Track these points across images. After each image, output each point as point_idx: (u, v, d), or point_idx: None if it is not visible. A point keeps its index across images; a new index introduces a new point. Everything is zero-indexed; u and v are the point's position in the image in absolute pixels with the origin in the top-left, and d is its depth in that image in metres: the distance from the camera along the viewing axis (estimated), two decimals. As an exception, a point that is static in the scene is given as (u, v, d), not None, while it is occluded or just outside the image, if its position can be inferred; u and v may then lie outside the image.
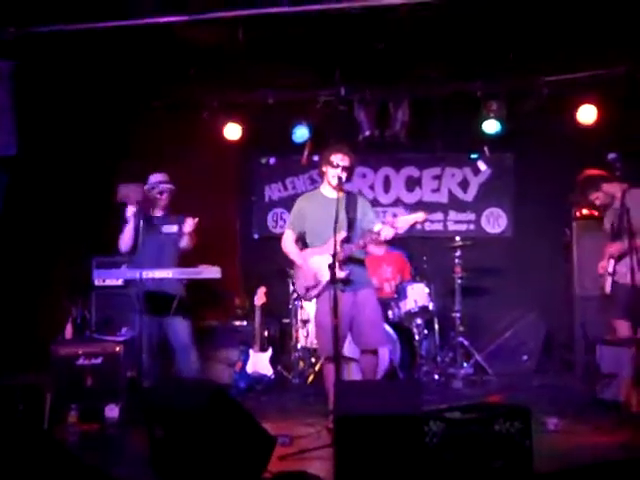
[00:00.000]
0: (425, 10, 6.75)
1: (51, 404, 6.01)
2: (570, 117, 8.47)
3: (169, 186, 6.82)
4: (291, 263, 7.50)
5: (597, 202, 7.02)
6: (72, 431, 6.00)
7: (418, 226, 9.14)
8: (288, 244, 6.29)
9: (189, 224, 6.59)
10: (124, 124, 8.74)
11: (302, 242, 6.29)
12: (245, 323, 8.45)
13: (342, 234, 5.86)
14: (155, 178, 6.83)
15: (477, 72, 8.38)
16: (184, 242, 6.67)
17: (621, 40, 7.50)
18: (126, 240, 6.60)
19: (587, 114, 8.43)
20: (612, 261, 6.82)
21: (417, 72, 8.40)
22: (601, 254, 6.88)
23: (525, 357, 8.47)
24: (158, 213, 6.83)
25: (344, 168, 6.00)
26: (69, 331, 6.90)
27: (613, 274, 6.80)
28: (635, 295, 6.57)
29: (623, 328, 6.78)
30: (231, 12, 6.69)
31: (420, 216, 5.79)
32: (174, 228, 6.63)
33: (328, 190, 6.12)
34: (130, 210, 6.52)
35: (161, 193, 6.76)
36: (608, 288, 6.85)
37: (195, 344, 6.74)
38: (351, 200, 6.11)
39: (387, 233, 5.76)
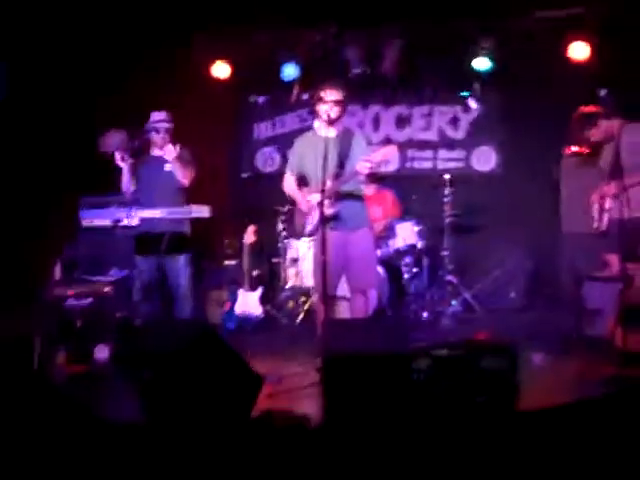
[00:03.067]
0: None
1: (40, 346, 6.02)
2: (561, 54, 8.39)
3: (165, 125, 6.75)
4: (281, 201, 7.54)
5: (593, 139, 6.97)
6: (60, 372, 6.02)
7: (408, 164, 9.26)
8: (289, 186, 6.28)
9: (169, 151, 6.55)
10: (113, 65, 8.62)
11: (302, 182, 6.27)
12: (234, 263, 8.44)
13: (332, 171, 5.84)
14: (153, 117, 6.77)
15: (468, 9, 8.26)
16: (177, 173, 6.62)
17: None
18: (126, 186, 6.60)
19: (578, 51, 8.35)
20: (608, 199, 6.81)
21: (406, 9, 8.28)
22: (590, 191, 6.87)
23: (513, 294, 8.53)
24: (158, 152, 6.78)
25: (335, 103, 5.95)
26: (57, 273, 6.90)
27: (608, 210, 6.80)
28: (628, 231, 6.60)
29: (610, 263, 6.82)
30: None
31: (391, 149, 5.78)
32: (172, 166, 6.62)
33: (322, 128, 6.08)
34: (117, 156, 6.49)
35: (157, 131, 6.70)
36: (604, 224, 6.84)
37: (188, 283, 6.74)
38: (345, 137, 6.08)
39: (361, 166, 5.73)
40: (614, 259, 6.74)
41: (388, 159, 5.88)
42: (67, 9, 7.61)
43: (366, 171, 5.77)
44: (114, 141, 6.38)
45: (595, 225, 6.82)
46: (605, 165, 6.94)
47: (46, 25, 7.62)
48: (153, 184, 6.66)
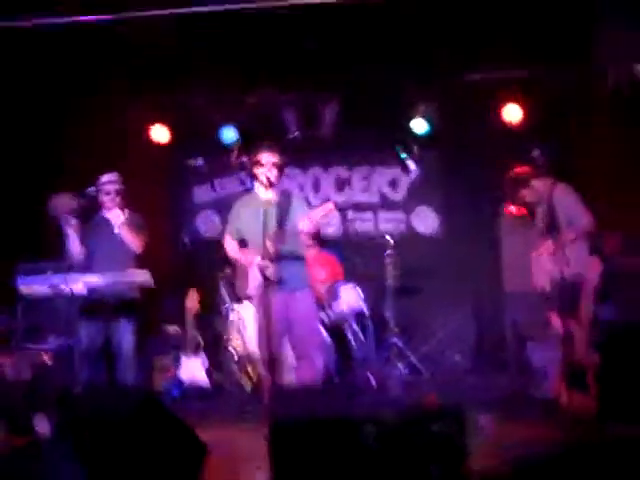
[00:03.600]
0: (348, 11, 6.76)
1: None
2: (496, 114, 8.56)
3: (115, 186, 6.66)
4: (223, 266, 7.47)
5: (527, 199, 7.10)
6: (2, 445, 5.80)
7: (350, 226, 9.28)
8: (229, 247, 6.23)
9: (116, 214, 6.47)
10: (51, 126, 8.54)
11: (243, 245, 6.22)
12: (177, 329, 8.29)
13: (272, 233, 5.81)
14: (102, 178, 6.67)
15: (404, 70, 8.39)
16: (126, 239, 6.52)
17: (541, 41, 7.62)
18: (73, 251, 6.47)
19: (511, 112, 8.54)
20: (546, 257, 6.91)
21: (344, 71, 8.39)
22: (529, 250, 6.96)
23: (458, 356, 8.53)
24: (108, 214, 6.67)
25: (273, 166, 5.97)
26: (-5, 342, 6.73)
27: (547, 269, 6.89)
28: (567, 289, 6.69)
29: (552, 322, 6.88)
30: (162, 10, 6.61)
31: (329, 206, 5.78)
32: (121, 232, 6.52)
33: (261, 190, 6.07)
34: (65, 221, 6.38)
35: (108, 193, 6.61)
36: (543, 284, 6.94)
37: (130, 349, 6.61)
38: (285, 199, 6.08)
39: (303, 224, 5.74)
40: (555, 318, 6.82)
41: (328, 215, 5.87)
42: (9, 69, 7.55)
43: (308, 229, 5.78)
44: (62, 204, 6.27)
45: (535, 284, 6.91)
46: (540, 224, 7.06)
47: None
48: (101, 247, 6.54)
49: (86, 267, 6.49)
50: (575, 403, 5.60)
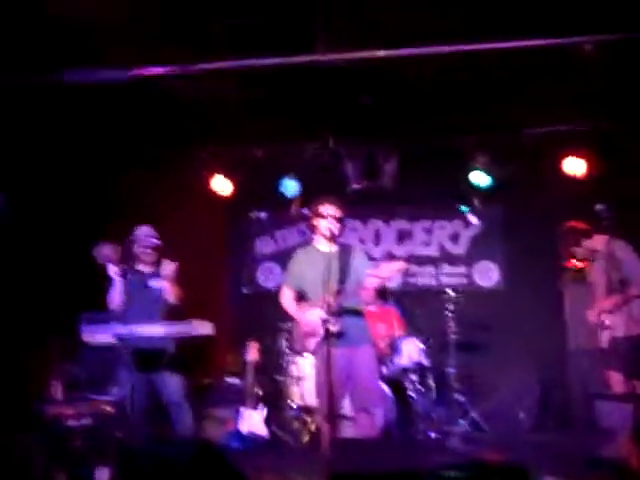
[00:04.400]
0: (413, 63, 6.79)
1: (39, 466, 5.83)
2: (558, 168, 8.49)
3: (154, 241, 6.71)
4: (283, 318, 7.45)
5: (578, 257, 7.02)
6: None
7: (411, 280, 9.20)
8: (286, 301, 6.22)
9: (167, 267, 6.49)
10: (113, 178, 8.69)
11: (301, 297, 6.21)
12: (237, 380, 8.29)
13: (334, 287, 5.79)
14: (140, 231, 6.72)
15: (465, 124, 8.40)
16: (168, 293, 6.55)
17: (607, 94, 7.57)
18: (113, 299, 6.48)
19: (574, 166, 8.48)
20: (605, 314, 6.79)
21: (405, 125, 8.42)
22: (587, 306, 6.86)
23: (522, 414, 8.34)
24: (144, 268, 6.72)
25: (334, 219, 5.97)
26: (58, 391, 6.77)
27: (609, 328, 6.77)
28: (631, 348, 6.55)
29: (617, 381, 6.73)
30: (218, 64, 6.70)
31: (400, 264, 5.77)
32: (161, 282, 6.54)
33: (321, 243, 6.08)
34: (111, 269, 6.43)
35: (146, 247, 6.66)
36: (605, 342, 6.81)
37: (187, 401, 6.61)
38: (345, 252, 6.06)
39: (371, 282, 5.74)
40: (615, 377, 6.68)
41: (396, 274, 5.84)
42: (64, 123, 7.69)
43: (374, 285, 5.76)
44: (108, 253, 6.32)
45: (597, 342, 6.79)
46: (596, 281, 6.95)
47: (38, 142, 7.69)
48: (141, 300, 6.55)
49: (127, 318, 6.45)
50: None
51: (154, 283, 6.57)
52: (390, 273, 5.74)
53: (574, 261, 7.27)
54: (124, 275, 6.42)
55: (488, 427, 8.08)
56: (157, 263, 6.68)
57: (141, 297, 6.55)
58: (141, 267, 6.72)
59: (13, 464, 5.77)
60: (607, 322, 6.82)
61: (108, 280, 6.46)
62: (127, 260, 6.62)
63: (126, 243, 6.64)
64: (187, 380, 6.62)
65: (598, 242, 6.86)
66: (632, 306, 6.71)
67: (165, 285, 6.55)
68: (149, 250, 6.66)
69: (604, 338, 6.85)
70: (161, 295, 6.58)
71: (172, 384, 6.54)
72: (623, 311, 6.72)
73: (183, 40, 6.56)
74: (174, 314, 6.66)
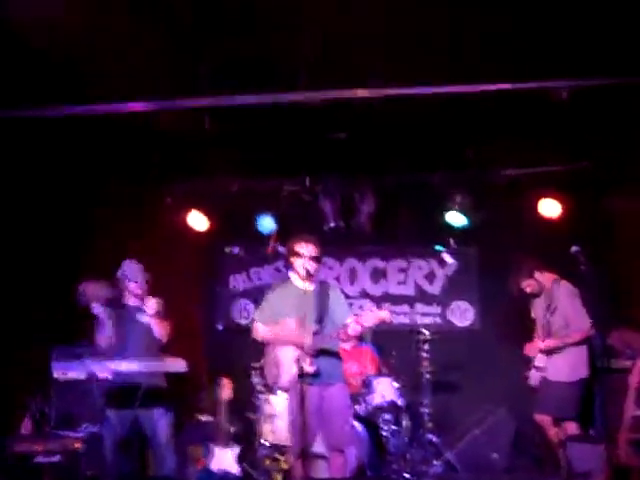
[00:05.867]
0: (389, 103, 6.83)
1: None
2: (533, 209, 8.56)
3: (143, 275, 6.68)
4: (256, 355, 7.40)
5: (528, 289, 7.12)
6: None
7: (387, 321, 9.16)
8: (259, 331, 6.16)
9: (151, 304, 6.45)
10: (89, 214, 8.64)
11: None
12: (210, 418, 8.17)
13: (311, 327, 5.77)
14: (128, 266, 6.70)
15: (440, 164, 8.46)
16: (155, 329, 6.49)
17: (582, 137, 7.66)
18: (104, 339, 6.45)
19: (549, 208, 8.54)
20: (541, 355, 6.84)
21: (381, 164, 8.47)
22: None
23: (495, 455, 8.29)
24: (133, 302, 6.68)
25: (311, 258, 5.96)
26: (27, 426, 6.66)
27: (541, 369, 6.82)
28: (560, 393, 6.60)
29: (547, 424, 6.76)
30: (196, 100, 6.71)
31: (385, 314, 5.77)
32: (147, 318, 6.50)
33: (298, 281, 6.06)
34: (96, 309, 6.38)
35: (136, 282, 6.63)
36: (534, 381, 6.87)
37: (172, 440, 6.55)
38: (322, 291, 6.05)
39: (354, 328, 5.72)
40: (544, 420, 6.75)
41: (382, 322, 5.81)
42: (43, 155, 7.67)
43: (356, 332, 5.74)
44: (93, 292, 6.28)
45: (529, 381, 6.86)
46: (536, 316, 7.02)
47: (22, 172, 7.66)
48: (127, 335, 6.54)
49: (116, 354, 6.44)
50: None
51: (143, 318, 6.52)
52: (373, 323, 5.73)
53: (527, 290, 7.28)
54: (110, 312, 6.40)
55: (461, 468, 8.03)
56: (143, 297, 6.65)
57: (132, 332, 6.54)
58: (130, 301, 6.67)
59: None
60: (539, 363, 6.88)
61: (94, 318, 6.44)
62: (115, 295, 6.60)
63: (115, 277, 6.64)
64: (165, 416, 6.54)
65: (547, 278, 6.95)
66: (567, 352, 6.77)
67: (152, 322, 6.50)
68: (139, 283, 6.61)
69: (533, 378, 6.91)
70: (149, 330, 6.53)
71: (149, 421, 6.48)
72: (559, 355, 6.79)
73: (163, 76, 6.56)
74: (162, 349, 6.65)
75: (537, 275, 7.03)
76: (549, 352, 6.86)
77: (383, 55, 6.23)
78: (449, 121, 7.56)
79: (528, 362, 7.18)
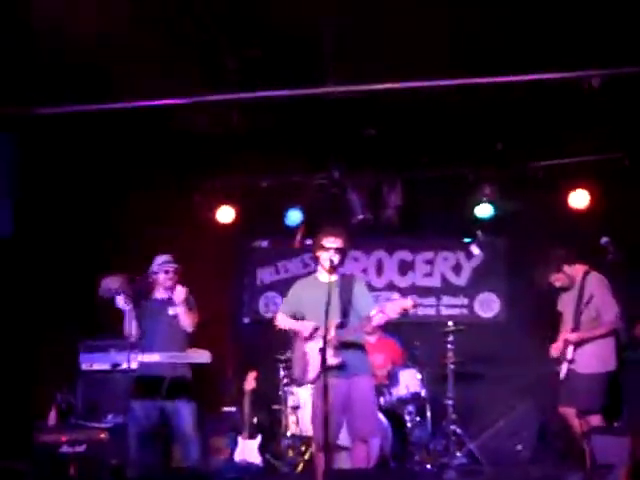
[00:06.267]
0: (417, 96, 6.82)
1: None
2: (563, 201, 8.53)
3: (174, 265, 6.75)
4: (282, 348, 7.44)
5: (557, 284, 7.03)
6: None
7: (411, 310, 9.15)
8: (283, 320, 6.22)
9: (179, 292, 6.50)
10: (117, 208, 8.72)
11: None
12: (234, 409, 8.27)
13: (335, 319, 5.79)
14: (159, 259, 6.78)
15: (469, 156, 8.43)
16: (181, 318, 6.56)
17: (613, 127, 7.59)
18: (130, 330, 6.50)
19: (579, 199, 8.48)
20: (571, 347, 6.79)
21: (409, 156, 8.46)
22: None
23: (520, 446, 8.26)
24: (163, 294, 6.75)
25: (337, 250, 5.98)
26: (53, 417, 6.76)
27: (571, 361, 6.78)
28: (587, 385, 6.55)
29: (571, 416, 6.72)
30: (225, 95, 6.74)
31: (409, 303, 5.77)
32: (176, 309, 6.56)
33: (323, 274, 6.09)
34: (120, 301, 6.47)
35: (166, 272, 6.69)
36: (563, 374, 6.82)
37: (197, 431, 6.58)
38: (346, 283, 6.08)
39: (378, 320, 5.76)
40: (569, 412, 6.70)
41: (406, 312, 5.82)
42: (72, 151, 7.75)
43: (380, 323, 5.77)
44: (115, 285, 6.35)
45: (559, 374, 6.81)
46: (565, 310, 6.96)
47: (51, 167, 7.74)
48: (155, 327, 6.60)
49: (143, 347, 6.53)
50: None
51: (170, 310, 6.58)
52: (398, 314, 5.73)
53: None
54: (137, 304, 6.49)
55: (485, 459, 8.01)
56: (173, 289, 6.72)
57: (162, 324, 6.59)
58: (159, 295, 6.75)
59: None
60: (568, 355, 6.83)
61: (117, 312, 6.49)
62: (145, 288, 6.67)
63: (148, 271, 6.70)
64: (190, 407, 6.60)
65: (577, 271, 6.89)
66: (596, 343, 6.73)
67: (180, 311, 6.56)
68: (171, 275, 6.69)
69: (563, 371, 6.87)
70: (177, 322, 6.58)
71: (183, 414, 6.52)
72: (587, 347, 6.75)
73: (193, 71, 6.62)
74: (188, 341, 6.68)
75: (566, 268, 6.97)
76: (578, 344, 6.81)
77: (413, 47, 6.21)
78: (479, 112, 7.52)
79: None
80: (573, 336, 6.77)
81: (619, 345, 6.78)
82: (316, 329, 5.87)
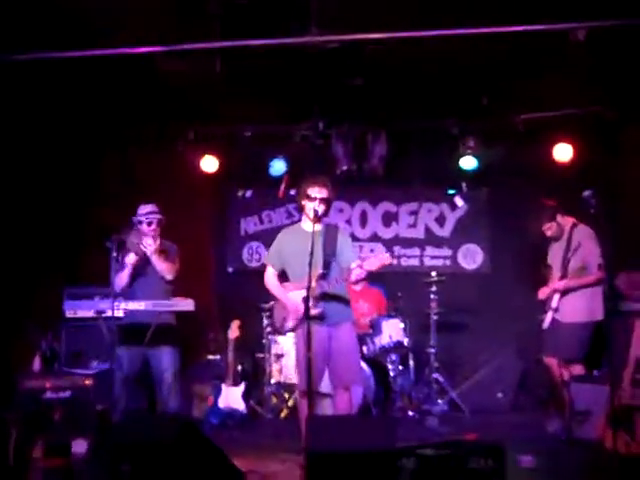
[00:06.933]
0: (403, 47, 6.78)
1: (16, 438, 5.84)
2: (546, 153, 8.54)
3: (158, 216, 6.75)
4: (265, 297, 7.48)
5: (549, 233, 7.11)
6: (37, 466, 5.80)
7: (394, 262, 9.20)
8: (270, 279, 6.25)
9: (148, 245, 6.54)
10: (98, 156, 8.67)
11: (284, 276, 6.23)
12: (218, 357, 8.35)
13: (318, 270, 5.82)
14: (144, 209, 6.77)
15: (454, 108, 8.41)
16: (158, 268, 6.59)
17: (593, 80, 7.58)
18: (122, 283, 6.56)
19: (563, 152, 8.50)
20: (557, 296, 6.87)
21: (394, 108, 8.42)
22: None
23: (500, 394, 8.41)
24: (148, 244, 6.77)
25: (321, 200, 5.98)
26: (37, 364, 6.79)
27: (556, 310, 6.86)
28: (570, 334, 6.65)
29: (554, 365, 6.83)
30: (208, 44, 6.66)
31: (386, 258, 5.77)
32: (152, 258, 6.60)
33: (307, 224, 6.07)
34: (132, 258, 6.52)
35: (150, 224, 6.70)
36: (547, 324, 6.91)
37: (179, 378, 6.69)
38: (330, 234, 6.09)
39: (357, 273, 5.80)
40: (552, 362, 6.80)
41: (384, 266, 5.84)
42: (54, 101, 7.69)
43: (359, 276, 5.83)
44: (133, 240, 6.44)
45: (543, 323, 6.90)
46: (553, 261, 7.03)
47: (33, 116, 7.68)
48: (140, 276, 6.65)
49: (128, 294, 6.57)
50: (620, 445, 5.47)
51: (145, 243, 6.61)
52: (376, 268, 5.74)
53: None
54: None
55: (466, 407, 8.14)
56: (157, 239, 6.74)
57: (142, 273, 6.67)
58: (144, 243, 6.76)
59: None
60: (553, 304, 6.92)
61: (120, 264, 6.51)
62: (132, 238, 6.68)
63: (132, 220, 6.71)
64: (173, 355, 6.66)
65: (567, 222, 6.97)
66: (583, 293, 6.81)
67: (154, 261, 6.62)
68: (154, 226, 6.70)
69: (547, 320, 6.95)
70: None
71: (157, 359, 6.60)
72: (573, 296, 6.83)
73: (177, 18, 6.53)
74: (172, 290, 6.76)
75: (559, 218, 7.03)
76: (564, 293, 6.87)
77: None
78: (463, 64, 7.47)
79: (536, 305, 7.23)
80: (561, 283, 6.85)
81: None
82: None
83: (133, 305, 6.44)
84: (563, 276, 6.87)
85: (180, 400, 6.78)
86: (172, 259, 6.74)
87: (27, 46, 6.51)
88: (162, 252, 6.64)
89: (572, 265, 6.82)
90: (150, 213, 6.74)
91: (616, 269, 6.80)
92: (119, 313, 6.32)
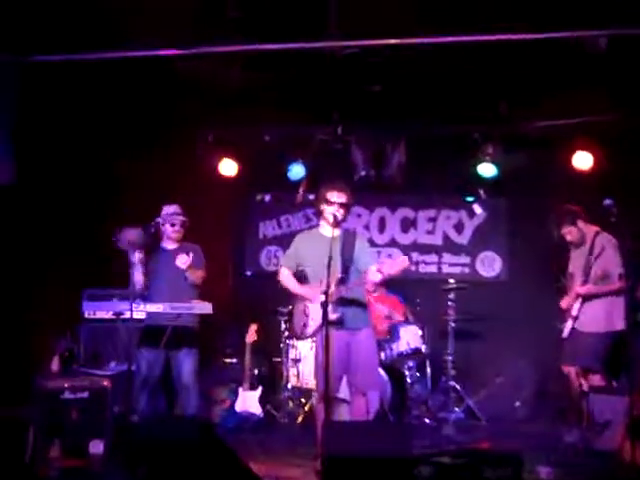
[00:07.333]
0: (423, 53, 6.77)
1: (34, 438, 5.86)
2: (565, 161, 8.48)
3: (181, 218, 6.79)
4: (283, 301, 7.48)
5: (569, 237, 7.06)
6: (54, 466, 5.81)
7: (412, 268, 9.18)
8: (285, 278, 6.25)
9: (181, 260, 6.55)
10: (117, 158, 8.70)
11: (299, 280, 6.23)
12: (235, 361, 8.36)
13: (336, 274, 5.81)
14: (168, 210, 6.81)
15: (473, 116, 8.39)
16: (191, 279, 6.63)
17: (614, 88, 7.55)
18: (138, 283, 6.58)
19: (583, 160, 8.44)
20: (577, 304, 6.83)
21: (414, 114, 8.41)
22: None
23: (518, 403, 8.37)
24: (171, 245, 6.80)
25: (340, 205, 5.99)
26: (55, 364, 6.81)
27: (575, 319, 6.82)
28: (590, 344, 6.60)
29: (573, 375, 6.78)
30: (229, 47, 6.68)
31: (404, 261, 5.74)
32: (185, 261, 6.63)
33: (326, 228, 6.08)
34: (136, 256, 6.51)
35: (173, 225, 6.73)
36: (566, 332, 6.87)
37: (197, 381, 6.73)
38: (348, 239, 6.08)
39: (373, 277, 5.79)
40: (570, 371, 6.75)
41: (402, 270, 5.82)
42: (76, 101, 7.71)
43: (377, 280, 5.79)
44: (135, 238, 6.40)
45: (562, 332, 6.85)
46: (575, 268, 6.98)
47: (55, 116, 7.70)
48: (161, 278, 6.68)
49: (149, 296, 6.59)
50: (639, 457, 5.42)
51: (180, 260, 6.62)
52: (394, 271, 5.72)
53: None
54: (146, 256, 6.58)
55: (483, 416, 8.12)
56: (182, 241, 6.74)
57: (168, 275, 6.70)
58: (168, 245, 6.78)
59: (9, 436, 5.81)
60: (574, 312, 6.87)
61: (130, 265, 6.52)
62: (150, 239, 6.71)
63: (155, 222, 6.70)
64: (192, 358, 6.69)
65: (589, 229, 6.92)
66: (603, 302, 6.76)
67: (188, 274, 6.66)
68: (177, 227, 6.73)
69: (566, 329, 6.91)
70: (184, 272, 6.68)
71: (184, 363, 6.65)
72: (593, 305, 6.79)
73: (196, 22, 6.55)
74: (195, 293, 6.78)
75: (580, 224, 6.99)
76: (585, 300, 6.83)
77: (416, 3, 6.15)
78: (482, 71, 7.46)
79: (554, 314, 7.19)
80: (583, 288, 6.80)
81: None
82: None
83: (151, 307, 6.45)
84: (585, 281, 6.82)
85: (199, 403, 6.80)
86: (200, 264, 6.74)
87: (47, 48, 6.55)
88: (190, 267, 6.64)
89: (594, 272, 6.76)
90: (174, 214, 6.77)
91: (637, 279, 6.76)
92: (139, 315, 6.35)
